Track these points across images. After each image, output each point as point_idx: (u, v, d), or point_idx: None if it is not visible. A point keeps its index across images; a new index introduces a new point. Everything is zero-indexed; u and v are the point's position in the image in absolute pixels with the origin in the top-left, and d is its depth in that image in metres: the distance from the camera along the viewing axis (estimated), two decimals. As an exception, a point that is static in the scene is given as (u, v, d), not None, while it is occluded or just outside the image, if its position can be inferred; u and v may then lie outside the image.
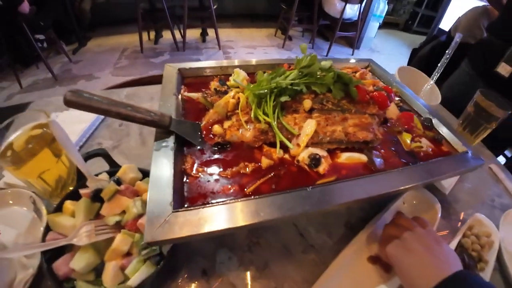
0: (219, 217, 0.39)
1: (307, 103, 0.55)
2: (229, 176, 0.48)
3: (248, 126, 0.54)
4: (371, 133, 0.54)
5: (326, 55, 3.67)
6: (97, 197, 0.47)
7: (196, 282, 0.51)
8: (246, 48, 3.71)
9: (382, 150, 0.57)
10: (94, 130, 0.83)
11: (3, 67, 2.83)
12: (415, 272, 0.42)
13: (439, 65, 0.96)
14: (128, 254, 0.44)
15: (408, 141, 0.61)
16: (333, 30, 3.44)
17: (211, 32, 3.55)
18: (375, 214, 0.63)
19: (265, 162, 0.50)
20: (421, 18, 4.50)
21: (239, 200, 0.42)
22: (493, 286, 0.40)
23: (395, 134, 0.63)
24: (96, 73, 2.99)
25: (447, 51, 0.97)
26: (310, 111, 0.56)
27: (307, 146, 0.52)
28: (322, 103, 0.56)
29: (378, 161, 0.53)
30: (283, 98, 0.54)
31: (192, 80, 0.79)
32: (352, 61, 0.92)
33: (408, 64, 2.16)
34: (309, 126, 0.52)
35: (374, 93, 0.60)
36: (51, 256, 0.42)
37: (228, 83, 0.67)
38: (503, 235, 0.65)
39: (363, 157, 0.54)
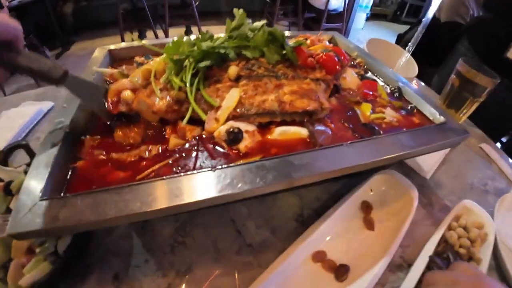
0: (85, 208, 0.30)
1: (233, 70, 0.45)
2: (126, 161, 0.38)
3: (162, 95, 0.43)
4: (314, 102, 0.43)
5: (314, 48, 3.55)
6: (10, 189, 0.43)
7: (105, 288, 0.41)
8: (232, 45, 3.61)
9: (331, 124, 0.46)
10: (35, 125, 0.76)
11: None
12: None
13: (415, 34, 0.85)
14: (33, 252, 0.39)
15: (367, 112, 0.50)
16: (319, 22, 3.33)
17: (195, 29, 3.45)
18: (334, 204, 0.52)
19: (173, 142, 0.39)
20: (410, 8, 4.40)
21: (121, 187, 0.32)
22: None
23: (352, 105, 0.52)
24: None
25: (423, 19, 0.86)
26: (238, 79, 0.45)
27: (228, 120, 0.41)
28: (251, 69, 0.45)
29: (321, 136, 0.42)
30: (203, 63, 0.44)
31: (126, 62, 0.68)
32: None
33: (394, 50, 2.05)
34: (232, 96, 0.41)
35: (320, 55, 0.49)
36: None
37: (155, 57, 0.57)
38: (499, 225, 0.52)
39: (302, 131, 0.43)
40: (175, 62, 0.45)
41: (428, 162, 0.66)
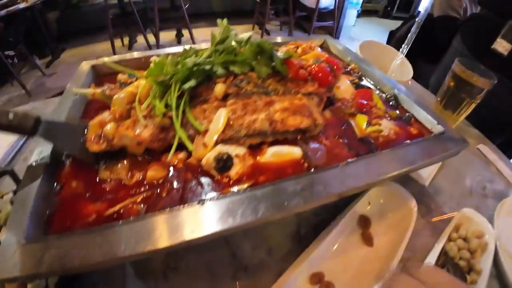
0: (69, 251, 0.29)
1: (219, 89, 0.42)
2: (105, 189, 0.36)
3: (147, 122, 0.41)
4: (306, 118, 0.41)
5: (307, 47, 3.53)
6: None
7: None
8: (224, 46, 3.57)
9: (326, 140, 0.44)
10: (23, 144, 0.73)
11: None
12: None
13: (409, 35, 0.84)
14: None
15: (363, 125, 0.48)
16: (311, 20, 3.31)
17: (186, 32, 3.41)
18: (333, 219, 0.50)
19: (150, 175, 0.37)
20: (400, 3, 4.40)
21: (104, 227, 0.30)
22: None
23: (346, 118, 0.50)
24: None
25: (417, 19, 0.84)
26: (226, 97, 0.43)
27: (217, 144, 0.39)
28: (239, 86, 0.43)
29: (315, 155, 0.40)
30: (188, 85, 0.41)
31: (111, 78, 0.65)
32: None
33: (386, 47, 2.03)
34: (219, 118, 0.39)
35: (312, 66, 0.47)
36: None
37: (138, 73, 0.54)
38: (499, 232, 0.52)
39: (295, 151, 0.40)
40: (159, 84, 0.42)
41: (427, 169, 0.65)
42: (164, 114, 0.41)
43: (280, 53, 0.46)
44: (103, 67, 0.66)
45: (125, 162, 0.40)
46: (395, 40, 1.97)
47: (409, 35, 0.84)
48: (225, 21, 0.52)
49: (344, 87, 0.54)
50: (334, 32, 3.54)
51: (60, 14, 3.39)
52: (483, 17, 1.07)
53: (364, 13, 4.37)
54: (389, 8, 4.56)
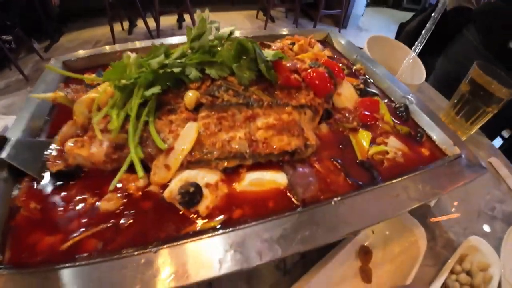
0: None
1: (190, 97, 0.34)
2: (57, 217, 0.30)
3: (104, 138, 0.34)
4: (295, 138, 0.33)
5: (312, 36, 3.38)
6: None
7: None
8: (226, 33, 3.43)
9: (317, 163, 0.36)
10: None
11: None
12: None
13: (423, 31, 0.74)
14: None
15: (366, 144, 0.40)
16: (317, 8, 3.13)
17: (188, 17, 3.26)
18: (326, 249, 0.43)
19: (104, 207, 0.30)
20: (411, -7, 4.20)
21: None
22: None
23: (346, 134, 0.42)
24: (68, 70, 2.83)
25: (433, 14, 0.74)
26: (198, 108, 0.35)
27: (183, 166, 0.31)
28: (214, 94, 0.34)
29: (304, 184, 0.32)
30: (150, 91, 0.33)
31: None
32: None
33: (396, 40, 1.91)
34: (187, 134, 0.31)
35: (308, 71, 0.38)
36: None
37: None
38: (504, 260, 0.47)
39: (279, 179, 0.33)
40: (121, 89, 0.35)
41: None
42: (122, 126, 0.33)
43: (270, 51, 0.38)
44: (75, 62, 0.59)
45: (74, 182, 0.33)
46: (405, 33, 1.85)
47: (423, 31, 0.75)
48: (206, 12, 0.43)
49: (346, 94, 0.46)
50: (342, 21, 3.37)
51: (58, -4, 3.27)
52: (501, 11, 0.98)
53: (374, 2, 4.17)
54: (399, -1, 4.34)
